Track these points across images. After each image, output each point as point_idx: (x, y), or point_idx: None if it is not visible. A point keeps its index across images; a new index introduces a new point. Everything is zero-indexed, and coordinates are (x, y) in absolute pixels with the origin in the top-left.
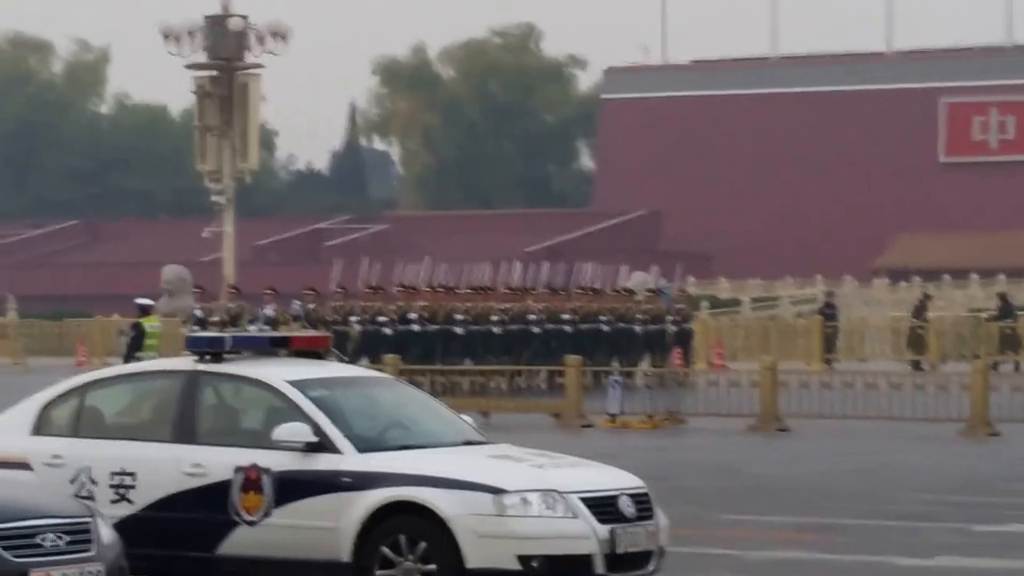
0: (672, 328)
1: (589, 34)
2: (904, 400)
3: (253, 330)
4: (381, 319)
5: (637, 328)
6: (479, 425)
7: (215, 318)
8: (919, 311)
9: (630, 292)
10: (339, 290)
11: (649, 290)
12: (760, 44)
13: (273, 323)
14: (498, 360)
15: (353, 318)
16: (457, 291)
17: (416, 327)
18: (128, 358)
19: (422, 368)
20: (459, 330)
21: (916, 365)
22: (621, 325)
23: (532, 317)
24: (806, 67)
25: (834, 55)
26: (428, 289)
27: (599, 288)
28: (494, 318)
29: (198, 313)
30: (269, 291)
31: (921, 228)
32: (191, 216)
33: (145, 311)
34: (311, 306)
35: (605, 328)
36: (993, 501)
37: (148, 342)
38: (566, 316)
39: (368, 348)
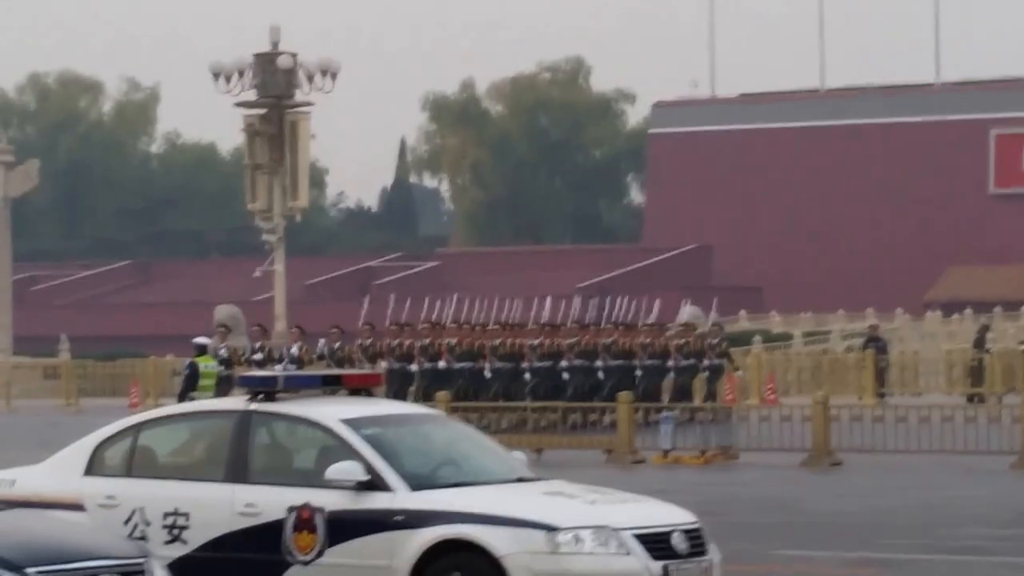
0: (705, 362)
1: (637, 68)
2: (957, 433)
3: (279, 369)
4: (409, 357)
5: (670, 363)
6: (531, 462)
7: (243, 357)
8: (979, 343)
9: (663, 327)
10: (366, 327)
11: (683, 325)
12: (808, 77)
13: (298, 362)
14: (527, 397)
15: (382, 363)
16: (487, 328)
17: (444, 364)
18: (183, 397)
19: (474, 405)
20: (488, 367)
21: (971, 398)
22: (654, 361)
23: (563, 362)
24: (854, 99)
25: (882, 87)
26: (455, 325)
27: (632, 323)
28: (525, 355)
29: (223, 353)
30: (295, 329)
31: (972, 260)
32: (242, 255)
33: (202, 351)
34: (336, 345)
35: (637, 363)
36: None
37: (203, 382)
38: (598, 352)
39: (396, 386)
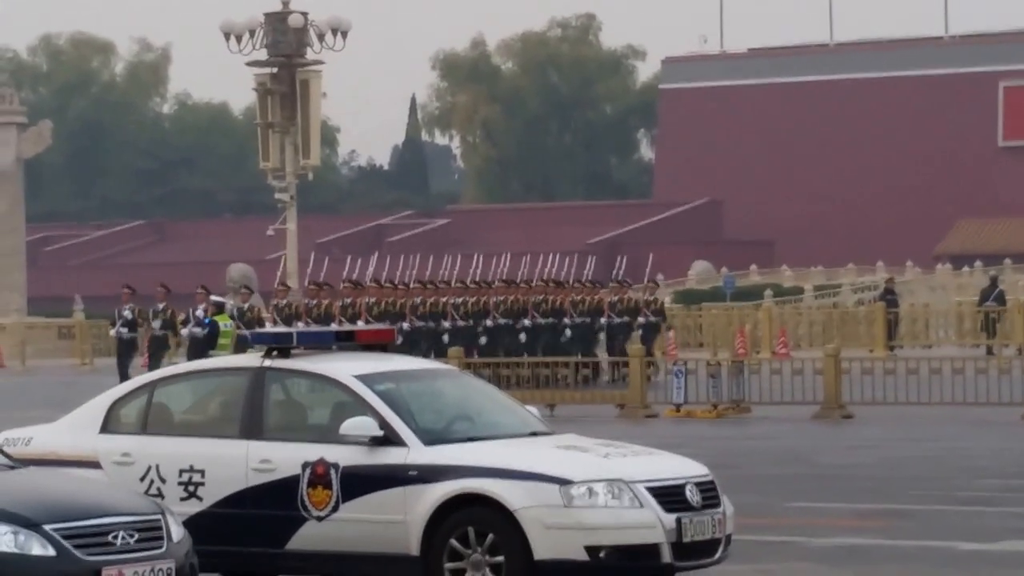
0: (639, 320)
1: (647, 24)
2: (967, 385)
3: (185, 333)
4: (328, 317)
5: (602, 321)
6: (544, 417)
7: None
8: (1000, 297)
9: (596, 284)
10: (281, 287)
11: (616, 281)
12: (817, 31)
13: (202, 324)
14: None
15: (299, 323)
16: (410, 287)
17: (363, 324)
18: (195, 353)
19: (487, 361)
20: (406, 326)
21: (991, 350)
22: (584, 319)
23: (487, 321)
24: (864, 53)
25: (891, 40)
26: (375, 285)
27: (562, 281)
28: (448, 313)
29: (127, 314)
30: (200, 290)
31: (981, 213)
32: (255, 214)
33: (220, 309)
34: (245, 305)
35: (567, 321)
36: None
37: (221, 341)
38: (527, 310)
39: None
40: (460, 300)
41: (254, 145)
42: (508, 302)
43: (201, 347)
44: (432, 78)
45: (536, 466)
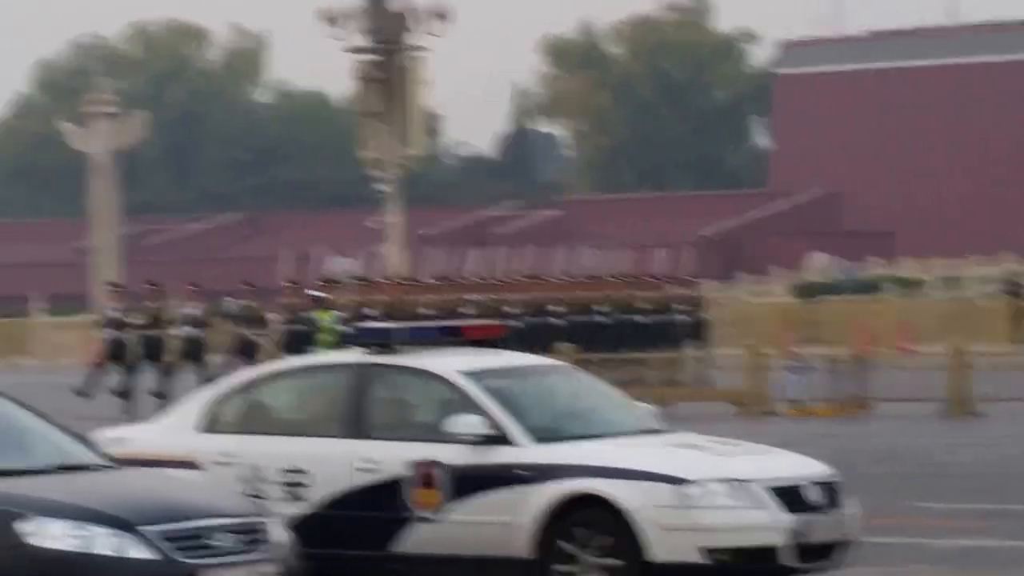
0: (681, 318)
1: (761, 7)
2: None
3: (175, 332)
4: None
5: (639, 318)
6: (658, 414)
7: (134, 319)
8: None
9: (633, 279)
10: (288, 284)
11: (651, 276)
12: (940, 12)
13: (193, 323)
14: None
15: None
16: (379, 283)
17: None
18: (291, 348)
19: (598, 357)
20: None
21: None
22: (621, 316)
23: (508, 309)
24: (988, 35)
25: (1019, 22)
26: (384, 281)
27: (596, 275)
28: (461, 310)
29: (110, 313)
30: (192, 287)
31: None
32: (356, 206)
33: (320, 303)
34: (244, 302)
35: (601, 319)
36: None
37: (321, 337)
38: (552, 307)
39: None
40: (477, 297)
41: (354, 135)
42: (530, 299)
43: (299, 344)
44: (538, 64)
45: (650, 465)
